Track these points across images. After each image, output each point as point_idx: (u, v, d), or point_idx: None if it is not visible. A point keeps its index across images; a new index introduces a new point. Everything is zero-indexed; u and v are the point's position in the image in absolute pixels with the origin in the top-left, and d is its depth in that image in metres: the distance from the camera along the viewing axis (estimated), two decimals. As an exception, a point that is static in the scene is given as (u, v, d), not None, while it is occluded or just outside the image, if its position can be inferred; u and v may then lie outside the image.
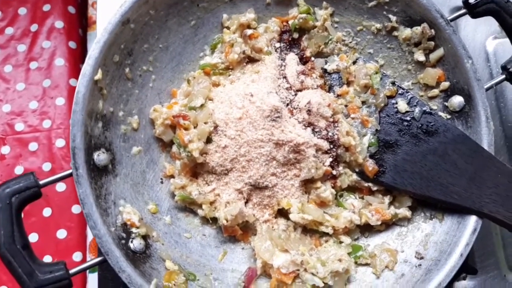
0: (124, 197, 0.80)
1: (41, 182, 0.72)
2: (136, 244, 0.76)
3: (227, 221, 0.82)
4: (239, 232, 0.86)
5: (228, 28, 0.92)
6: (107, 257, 0.71)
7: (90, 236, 1.21)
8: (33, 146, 1.31)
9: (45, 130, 1.32)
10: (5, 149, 1.30)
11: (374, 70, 0.89)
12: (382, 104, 0.88)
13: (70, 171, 0.74)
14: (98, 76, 0.76)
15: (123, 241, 0.75)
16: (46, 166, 1.29)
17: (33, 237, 1.23)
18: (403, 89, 0.89)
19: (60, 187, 1.24)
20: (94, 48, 0.76)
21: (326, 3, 0.92)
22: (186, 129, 0.83)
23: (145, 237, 0.79)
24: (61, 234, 1.20)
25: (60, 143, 1.31)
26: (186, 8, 0.88)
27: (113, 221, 0.76)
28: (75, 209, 1.27)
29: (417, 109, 0.86)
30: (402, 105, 0.87)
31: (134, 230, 0.77)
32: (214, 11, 0.91)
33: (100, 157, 0.77)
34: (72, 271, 0.71)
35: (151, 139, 0.88)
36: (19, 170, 1.28)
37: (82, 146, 0.73)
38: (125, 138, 0.83)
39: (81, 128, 0.73)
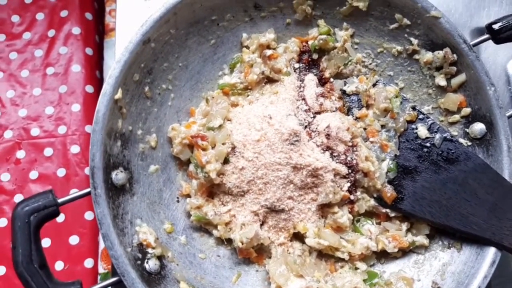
0: (140, 216, 0.80)
1: (59, 201, 0.72)
2: (151, 264, 0.76)
3: (242, 243, 0.82)
4: (253, 254, 0.85)
5: (247, 47, 0.92)
6: (123, 278, 0.71)
7: (102, 244, 1.22)
8: (48, 152, 1.32)
9: (61, 136, 1.34)
10: (21, 154, 1.32)
11: (394, 93, 0.89)
12: (402, 129, 0.87)
13: (88, 190, 0.74)
14: (118, 95, 0.76)
15: (139, 262, 0.75)
16: (61, 172, 1.30)
17: (45, 242, 1.24)
18: (424, 114, 0.88)
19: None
20: (115, 68, 0.76)
21: (347, 24, 0.92)
22: (204, 149, 0.82)
23: (160, 258, 0.79)
24: (74, 240, 1.20)
25: (75, 149, 1.32)
26: (206, 27, 0.88)
27: (130, 241, 0.76)
28: (88, 215, 1.27)
29: (437, 136, 0.85)
30: (422, 131, 0.86)
31: (150, 250, 0.77)
32: (234, 30, 0.91)
33: (118, 176, 0.77)
34: (87, 291, 0.71)
35: (168, 157, 0.88)
36: (33, 175, 1.29)
37: (101, 165, 0.74)
38: (143, 156, 0.84)
39: (100, 148, 0.74)
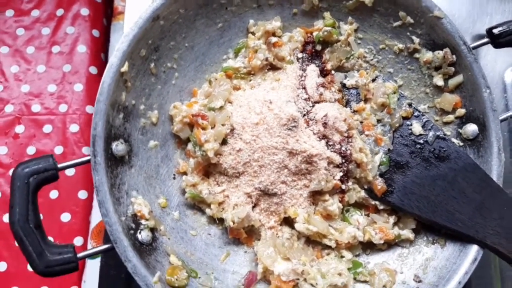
0: (136, 188, 0.82)
1: (59, 166, 0.74)
2: (144, 235, 0.78)
3: (233, 223, 0.83)
4: (243, 235, 0.87)
5: (253, 33, 0.94)
6: (115, 245, 0.73)
7: (93, 223, 1.23)
8: (47, 128, 1.33)
9: (61, 114, 1.35)
10: (20, 128, 1.33)
11: (392, 89, 0.91)
12: (397, 124, 0.89)
13: (88, 157, 0.76)
14: (125, 68, 0.78)
15: (132, 232, 0.77)
16: (58, 149, 1.31)
17: None
18: (419, 111, 0.90)
19: (70, 171, 1.26)
20: (123, 41, 0.78)
21: (352, 19, 0.94)
22: (203, 128, 0.84)
23: (152, 230, 0.80)
24: (65, 217, 1.22)
25: (74, 128, 1.33)
26: (215, 10, 0.90)
27: (124, 211, 0.77)
28: (82, 194, 1.29)
29: (431, 133, 0.87)
30: (416, 128, 0.88)
31: (143, 222, 0.79)
32: (241, 15, 0.93)
33: (119, 147, 0.79)
34: (79, 255, 0.73)
35: (168, 135, 0.90)
36: (31, 150, 1.30)
37: (103, 134, 0.75)
38: (143, 131, 0.85)
39: (103, 118, 0.75)
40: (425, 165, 0.86)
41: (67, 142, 1.32)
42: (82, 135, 1.34)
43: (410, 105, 0.90)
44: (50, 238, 1.23)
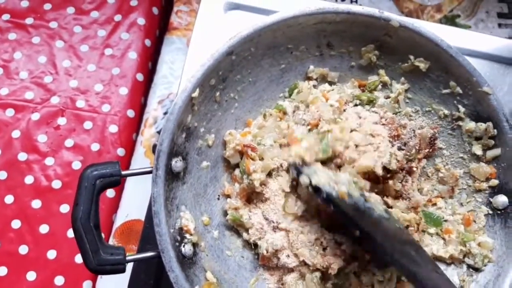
0: (185, 203, 0.87)
1: (123, 173, 0.80)
2: (187, 249, 0.83)
3: (267, 251, 0.89)
4: (273, 264, 0.92)
5: (310, 78, 1.02)
6: (162, 254, 0.78)
7: (117, 223, 1.28)
8: (87, 125, 1.39)
9: (103, 113, 1.41)
10: (62, 120, 1.39)
11: None
12: None
13: (149, 168, 0.82)
14: (195, 94, 0.85)
15: (177, 244, 0.82)
16: (95, 146, 1.38)
17: (64, 208, 1.31)
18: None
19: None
20: (198, 70, 0.85)
21: (404, 79, 1.00)
22: (252, 159, 0.90)
23: (194, 245, 0.86)
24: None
25: (113, 129, 1.40)
26: (281, 53, 0.97)
27: (173, 224, 0.83)
28: (109, 193, 1.34)
29: None
30: None
31: (187, 236, 0.85)
32: (303, 60, 1.00)
33: (177, 164, 0.85)
34: (128, 258, 0.78)
35: (219, 158, 0.96)
36: (69, 142, 1.37)
37: (167, 150, 0.82)
38: (199, 151, 0.92)
39: (170, 136, 0.82)
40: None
41: (104, 141, 1.38)
42: (119, 136, 1.40)
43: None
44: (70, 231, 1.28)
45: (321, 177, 0.81)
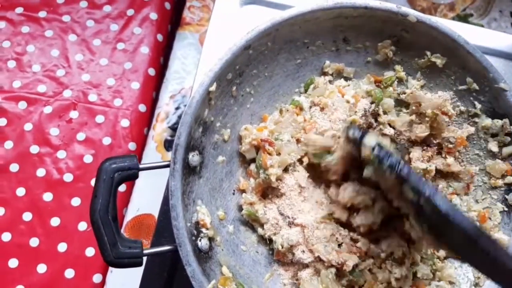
0: (202, 198, 0.88)
1: (140, 166, 0.80)
2: (203, 243, 0.84)
3: (282, 247, 0.89)
4: (288, 260, 0.92)
5: (326, 74, 1.01)
6: (179, 248, 0.78)
7: (128, 216, 1.28)
8: (99, 119, 1.39)
9: (115, 107, 1.41)
10: (74, 114, 1.39)
11: None
12: None
13: (167, 162, 0.82)
14: (213, 88, 0.85)
15: (193, 238, 0.82)
16: (106, 140, 1.38)
17: (75, 201, 1.31)
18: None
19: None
20: (216, 63, 0.85)
21: (420, 75, 1.00)
22: (269, 154, 0.90)
23: (210, 239, 0.86)
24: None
25: (124, 123, 1.40)
26: (297, 47, 0.97)
27: (189, 218, 0.83)
28: (121, 187, 1.34)
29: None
30: None
31: (204, 230, 0.85)
32: (319, 55, 1.00)
33: (194, 158, 0.85)
34: (145, 251, 0.78)
35: (234, 152, 0.96)
36: (81, 136, 1.37)
37: (184, 144, 0.81)
38: (215, 146, 0.92)
39: (187, 129, 0.82)
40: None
41: (116, 135, 1.39)
42: (130, 131, 1.40)
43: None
44: (83, 223, 1.29)
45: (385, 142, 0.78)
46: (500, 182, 0.95)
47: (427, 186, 0.69)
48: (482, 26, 1.44)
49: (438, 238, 0.73)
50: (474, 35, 1.12)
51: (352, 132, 0.81)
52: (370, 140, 0.77)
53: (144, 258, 1.07)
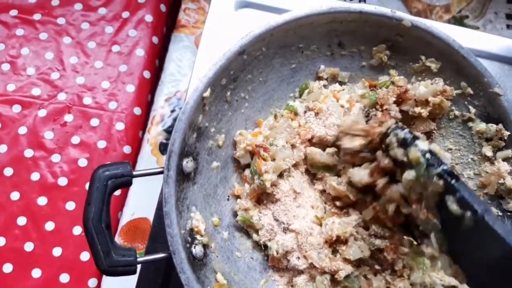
0: (196, 204, 0.87)
1: (134, 173, 0.80)
2: (197, 250, 0.83)
3: (277, 253, 0.89)
4: (283, 266, 0.92)
5: (321, 78, 1.01)
6: (173, 255, 0.78)
7: (123, 221, 1.28)
8: (94, 122, 1.39)
9: (110, 110, 1.40)
10: (69, 117, 1.39)
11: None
12: None
13: (160, 169, 0.81)
14: (207, 93, 0.85)
15: (188, 245, 0.82)
16: (101, 144, 1.37)
17: (70, 205, 1.31)
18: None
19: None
20: (210, 69, 0.84)
21: (415, 80, 1.00)
22: (264, 159, 0.90)
23: (205, 246, 0.85)
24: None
25: (119, 126, 1.39)
26: (292, 52, 0.97)
27: (184, 225, 0.83)
28: (116, 191, 1.33)
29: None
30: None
31: (198, 237, 0.84)
32: (314, 60, 1.00)
33: (188, 164, 0.84)
34: (139, 259, 0.78)
35: (229, 158, 0.95)
36: (75, 139, 1.36)
37: (178, 151, 0.81)
38: (209, 152, 0.91)
39: (181, 136, 0.81)
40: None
41: (111, 139, 1.38)
42: (125, 134, 1.39)
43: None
44: (78, 227, 1.28)
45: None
46: (494, 187, 0.95)
47: (479, 202, 0.65)
48: (478, 28, 1.44)
49: (457, 259, 0.69)
50: (469, 39, 1.12)
51: (403, 133, 0.77)
52: (423, 144, 0.74)
53: (138, 266, 1.08)
